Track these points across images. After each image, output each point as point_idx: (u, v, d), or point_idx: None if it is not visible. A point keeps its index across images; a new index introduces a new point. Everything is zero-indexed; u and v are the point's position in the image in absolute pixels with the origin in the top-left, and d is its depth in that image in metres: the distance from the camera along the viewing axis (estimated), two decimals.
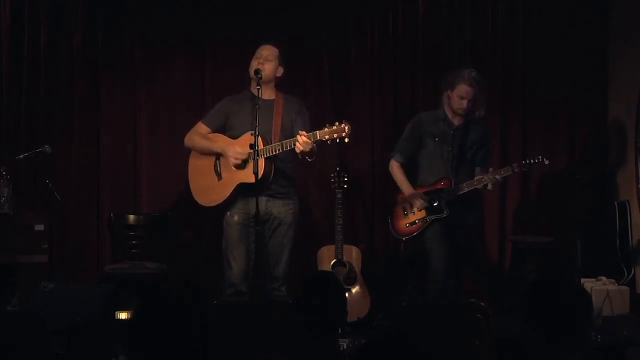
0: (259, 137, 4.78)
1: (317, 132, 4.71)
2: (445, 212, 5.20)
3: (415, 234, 5.28)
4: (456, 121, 5.29)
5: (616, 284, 5.55)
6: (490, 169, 5.18)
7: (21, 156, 5.51)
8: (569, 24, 6.36)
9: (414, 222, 5.28)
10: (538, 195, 6.35)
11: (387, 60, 6.34)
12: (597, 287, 5.42)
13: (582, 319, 2.60)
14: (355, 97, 6.31)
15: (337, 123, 4.68)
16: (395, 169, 5.39)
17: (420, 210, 5.25)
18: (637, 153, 5.92)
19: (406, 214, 5.32)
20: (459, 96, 5.20)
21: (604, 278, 5.56)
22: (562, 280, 2.68)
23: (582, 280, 5.46)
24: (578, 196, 5.79)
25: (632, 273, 5.82)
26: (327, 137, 4.68)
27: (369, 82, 6.32)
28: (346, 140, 4.66)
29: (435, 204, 5.22)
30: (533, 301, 2.62)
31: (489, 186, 5.16)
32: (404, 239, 5.34)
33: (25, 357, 3.24)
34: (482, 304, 3.77)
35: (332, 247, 5.67)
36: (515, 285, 5.90)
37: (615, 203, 6.05)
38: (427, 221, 5.25)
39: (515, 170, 5.21)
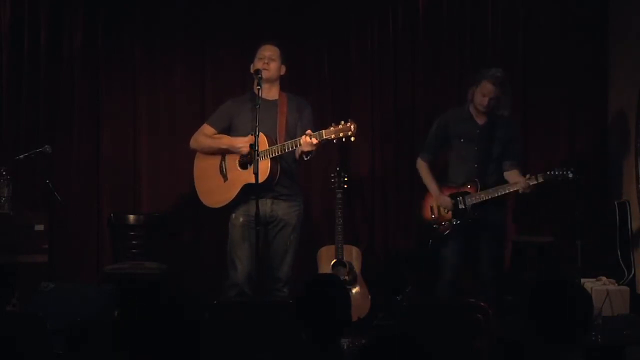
0: (265, 137, 4.79)
1: (323, 131, 4.70)
2: (471, 216, 5.18)
3: (443, 234, 5.26)
4: (480, 120, 5.27)
5: (616, 284, 5.54)
6: (527, 175, 5.15)
7: (21, 156, 5.52)
8: (569, 24, 6.35)
9: (441, 223, 5.27)
10: (538, 195, 6.33)
11: (387, 60, 6.34)
12: (597, 287, 5.41)
13: (582, 319, 2.61)
14: (355, 97, 6.31)
15: (342, 122, 4.68)
16: (422, 168, 5.38)
17: (447, 212, 5.24)
18: (637, 153, 5.92)
19: (433, 213, 5.30)
20: (481, 93, 5.18)
21: (604, 278, 5.55)
22: (563, 281, 2.68)
23: (582, 280, 5.45)
24: (578, 196, 5.79)
25: (632, 273, 5.82)
26: (333, 136, 4.68)
27: (369, 82, 6.32)
28: (352, 138, 4.66)
29: (461, 208, 5.20)
30: (533, 301, 2.62)
31: (520, 190, 5.12)
32: (431, 238, 5.33)
33: (25, 357, 3.24)
34: (482, 304, 3.77)
35: (332, 247, 5.66)
36: (515, 285, 5.90)
37: (615, 203, 6.05)
38: (454, 224, 5.22)
39: (540, 180, 5.15)
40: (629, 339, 4.55)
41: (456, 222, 5.22)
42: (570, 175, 5.12)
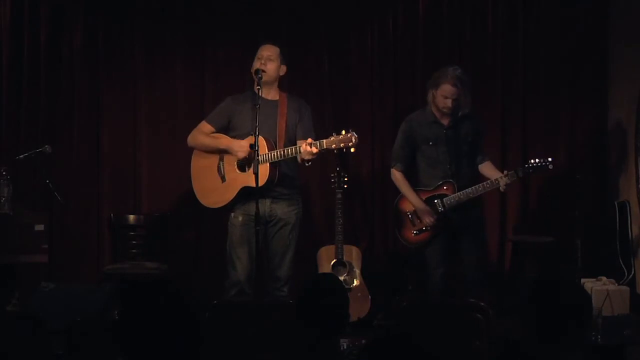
0: (265, 140, 4.79)
1: (324, 141, 4.68)
2: (452, 218, 5.15)
3: (424, 241, 5.22)
4: (445, 121, 5.21)
5: (616, 284, 5.55)
6: (505, 171, 5.13)
7: (21, 156, 5.52)
8: (569, 24, 6.35)
9: (422, 230, 5.20)
10: (538, 195, 6.35)
11: (387, 60, 6.33)
12: (597, 287, 5.41)
13: (582, 319, 2.61)
14: (355, 97, 6.31)
15: (343, 132, 4.66)
16: (399, 179, 5.28)
17: (429, 227, 5.18)
18: (637, 153, 5.92)
19: (412, 222, 5.24)
20: (442, 95, 5.12)
21: (604, 278, 5.55)
22: (563, 281, 2.69)
23: (582, 280, 5.45)
24: (578, 196, 5.79)
25: (632, 273, 5.82)
26: (334, 146, 4.66)
27: (369, 82, 6.32)
28: (352, 149, 4.65)
29: (440, 210, 5.15)
30: (533, 301, 2.62)
31: (501, 188, 5.10)
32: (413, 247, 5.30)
33: (25, 358, 3.24)
34: (482, 304, 3.77)
35: (332, 247, 5.66)
36: (515, 285, 5.90)
37: (615, 203, 6.05)
38: (435, 226, 5.16)
39: (520, 175, 5.15)
40: (629, 339, 4.54)
41: (437, 225, 5.16)
42: (551, 167, 5.08)
